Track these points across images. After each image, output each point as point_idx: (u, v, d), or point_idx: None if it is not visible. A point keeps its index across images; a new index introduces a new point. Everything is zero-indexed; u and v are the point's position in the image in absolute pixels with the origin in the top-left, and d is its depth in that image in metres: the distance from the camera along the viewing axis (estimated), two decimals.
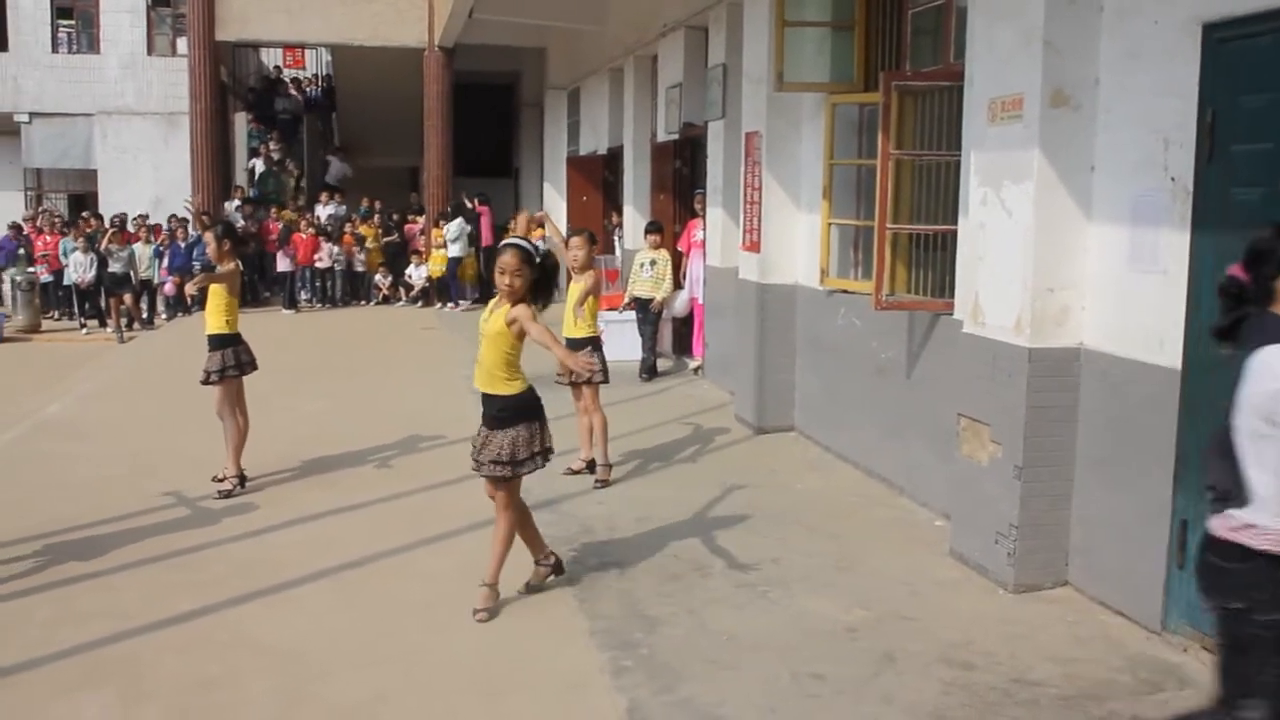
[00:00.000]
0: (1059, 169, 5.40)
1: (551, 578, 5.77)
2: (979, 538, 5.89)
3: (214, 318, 7.62)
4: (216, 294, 7.60)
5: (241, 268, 8.14)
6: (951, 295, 6.76)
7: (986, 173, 5.83)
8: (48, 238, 19.89)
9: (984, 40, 5.88)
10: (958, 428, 6.12)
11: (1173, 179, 4.89)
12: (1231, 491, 3.12)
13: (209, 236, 7.82)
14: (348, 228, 20.27)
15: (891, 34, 8.05)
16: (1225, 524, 3.13)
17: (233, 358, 7.60)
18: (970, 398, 6.01)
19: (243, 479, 7.65)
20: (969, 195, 6.18)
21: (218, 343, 7.60)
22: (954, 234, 6.77)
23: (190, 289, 7.62)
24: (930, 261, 7.38)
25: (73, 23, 25.44)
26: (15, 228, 20.32)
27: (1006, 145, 5.63)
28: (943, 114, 7.09)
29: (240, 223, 19.34)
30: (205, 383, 7.64)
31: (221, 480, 7.58)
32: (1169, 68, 4.89)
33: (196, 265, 18.01)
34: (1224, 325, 3.23)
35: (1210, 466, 3.23)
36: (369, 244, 20.28)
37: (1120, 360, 5.23)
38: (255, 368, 7.82)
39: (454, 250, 19.46)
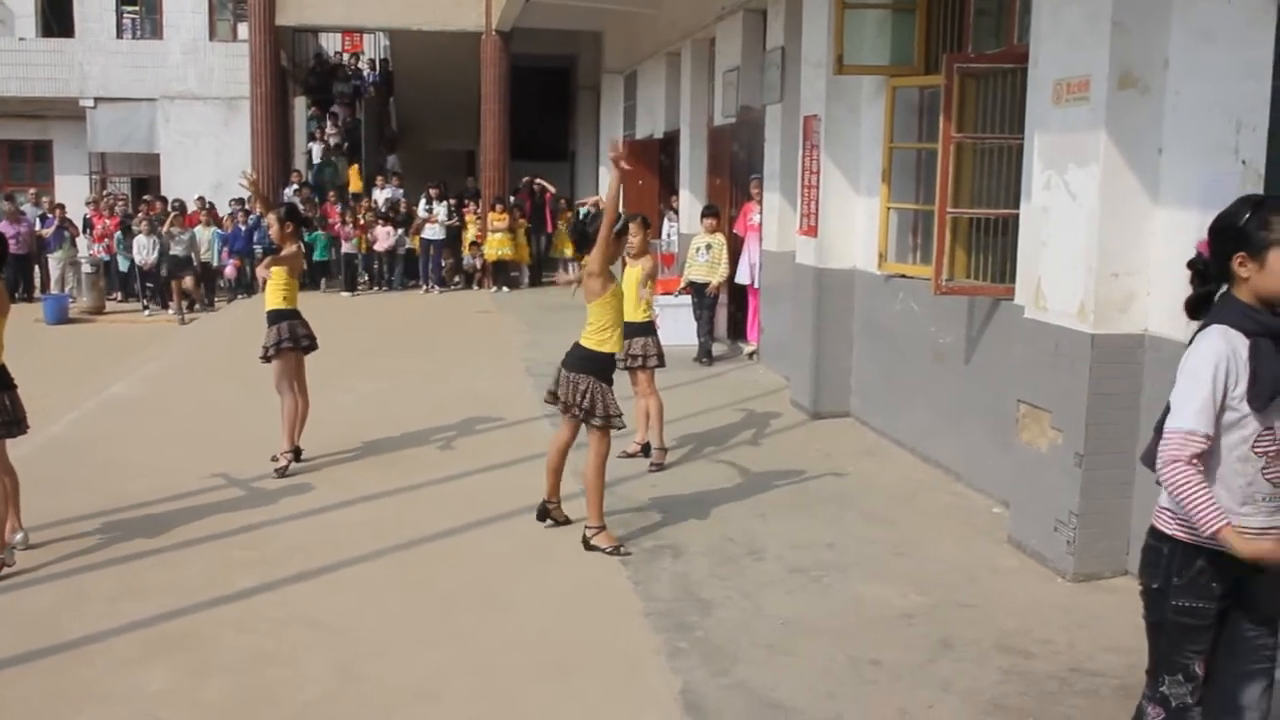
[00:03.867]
0: (1126, 152, 5.30)
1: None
2: (1038, 525, 5.82)
3: (273, 295, 7.73)
4: (277, 273, 7.70)
5: (304, 249, 8.24)
6: (1012, 280, 6.68)
7: (1050, 156, 5.74)
8: (107, 221, 20.17)
9: (1050, 21, 5.78)
10: (1017, 414, 6.04)
11: (1244, 162, 4.78)
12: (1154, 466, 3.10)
13: (272, 218, 7.91)
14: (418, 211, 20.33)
15: (953, 15, 7.95)
16: (1155, 509, 3.15)
17: (288, 331, 7.69)
18: (1031, 384, 5.93)
19: (297, 453, 7.75)
20: (1032, 179, 6.09)
21: (275, 317, 7.71)
22: (1015, 218, 6.68)
23: (261, 272, 7.72)
24: (990, 246, 7.29)
25: (136, 9, 25.75)
26: (61, 209, 20.59)
27: (1072, 128, 5.53)
28: (1005, 96, 7.00)
29: (300, 206, 19.56)
30: (265, 359, 7.73)
31: (276, 459, 7.66)
32: (1243, 48, 4.78)
33: (258, 249, 18.19)
34: (1189, 301, 3.17)
35: (1150, 442, 3.19)
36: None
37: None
38: (315, 346, 7.89)
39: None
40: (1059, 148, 5.66)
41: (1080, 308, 5.47)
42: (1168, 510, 3.09)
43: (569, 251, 20.63)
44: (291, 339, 7.70)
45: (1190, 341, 3.06)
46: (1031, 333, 5.92)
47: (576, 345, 6.10)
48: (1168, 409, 3.06)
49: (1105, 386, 5.42)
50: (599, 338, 6.01)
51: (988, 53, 7.34)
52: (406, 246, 19.95)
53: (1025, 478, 5.98)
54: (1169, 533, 3.08)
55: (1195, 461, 2.95)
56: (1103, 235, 5.35)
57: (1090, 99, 5.38)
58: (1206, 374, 2.94)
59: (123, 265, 19.03)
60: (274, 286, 7.72)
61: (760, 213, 11.58)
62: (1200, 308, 3.13)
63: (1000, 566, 5.81)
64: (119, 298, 19.61)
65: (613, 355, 6.15)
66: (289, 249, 7.77)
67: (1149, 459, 3.13)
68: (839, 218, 9.04)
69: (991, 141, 7.12)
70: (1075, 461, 5.51)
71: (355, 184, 22.52)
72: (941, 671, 4.58)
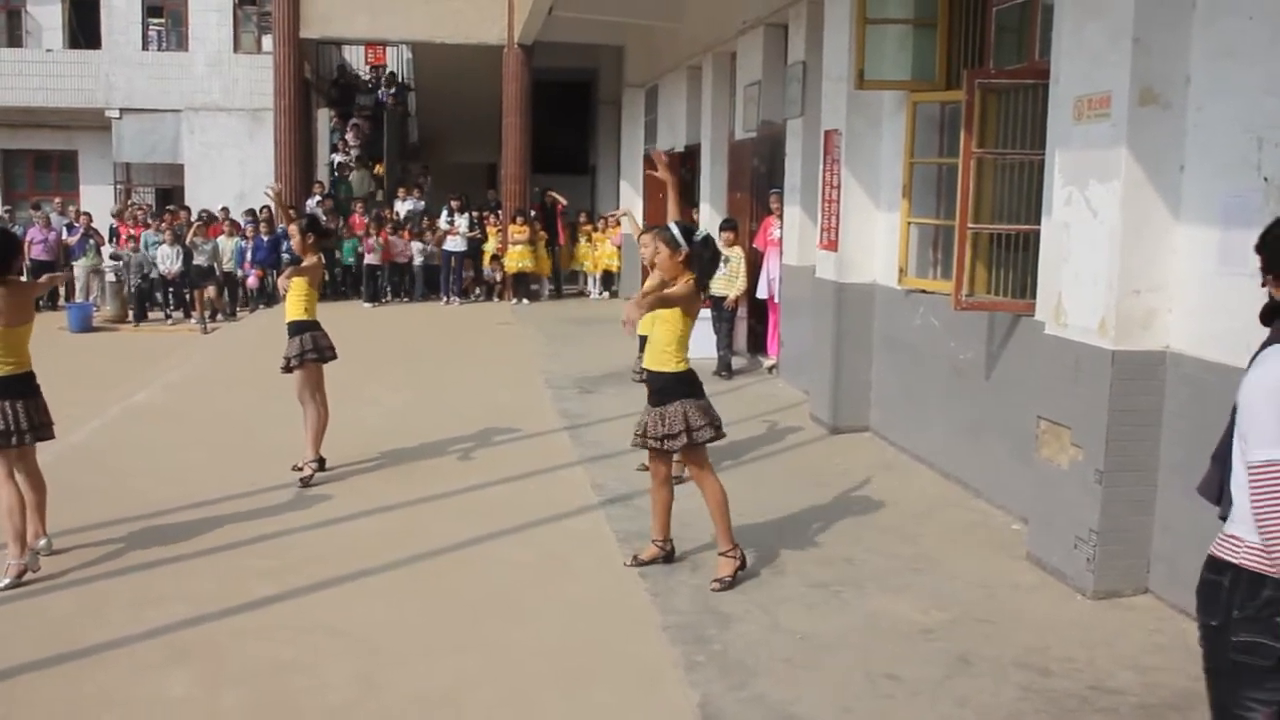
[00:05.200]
0: (1147, 168, 5.30)
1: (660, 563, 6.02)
2: (1058, 542, 5.81)
3: (294, 306, 7.78)
4: (297, 284, 7.75)
5: (324, 260, 8.32)
6: (1033, 296, 6.68)
7: (1071, 172, 5.74)
8: (133, 231, 20.30)
9: (1071, 37, 5.78)
10: (1037, 430, 6.03)
11: (1265, 179, 4.77)
12: (1217, 499, 2.89)
13: (294, 229, 7.98)
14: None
15: (974, 31, 7.96)
16: (1218, 538, 2.87)
17: (311, 342, 7.74)
18: (1051, 400, 5.92)
19: (321, 463, 7.79)
20: (1053, 195, 6.09)
21: (296, 329, 7.76)
22: (1036, 234, 6.68)
23: (282, 282, 7.79)
24: (1011, 261, 7.28)
25: (162, 21, 26.01)
26: (87, 217, 20.73)
27: (1093, 144, 5.53)
28: (1026, 112, 7.00)
29: (322, 218, 19.67)
30: (286, 370, 7.79)
31: (300, 469, 7.71)
32: (1265, 65, 4.78)
33: (286, 257, 18.29)
34: (1264, 309, 2.93)
35: (1208, 472, 2.98)
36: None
37: (1208, 364, 5.12)
38: (335, 356, 7.94)
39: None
40: (1080, 164, 5.66)
41: (1101, 324, 5.46)
42: (1235, 538, 2.79)
43: (588, 265, 20.77)
44: (315, 350, 7.75)
45: (1252, 360, 2.82)
46: (1052, 349, 5.91)
47: None
48: (1227, 437, 2.85)
49: (1126, 403, 5.40)
50: None
51: (1009, 68, 7.35)
52: (422, 260, 19.97)
53: (1045, 494, 5.97)
54: (1234, 561, 2.76)
55: None
56: (1124, 252, 5.35)
57: (1111, 115, 5.38)
58: None
59: (132, 282, 18.87)
60: (294, 297, 7.77)
61: (780, 227, 11.59)
62: (1274, 316, 2.88)
63: (1019, 583, 5.80)
64: (132, 309, 19.64)
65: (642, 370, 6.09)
66: (309, 260, 7.85)
67: (1208, 491, 2.94)
68: (859, 232, 9.05)
69: (1012, 157, 7.12)
70: (1095, 478, 5.49)
71: (360, 189, 22.71)
72: (959, 688, 4.57)
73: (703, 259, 5.76)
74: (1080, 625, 5.22)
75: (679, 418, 5.65)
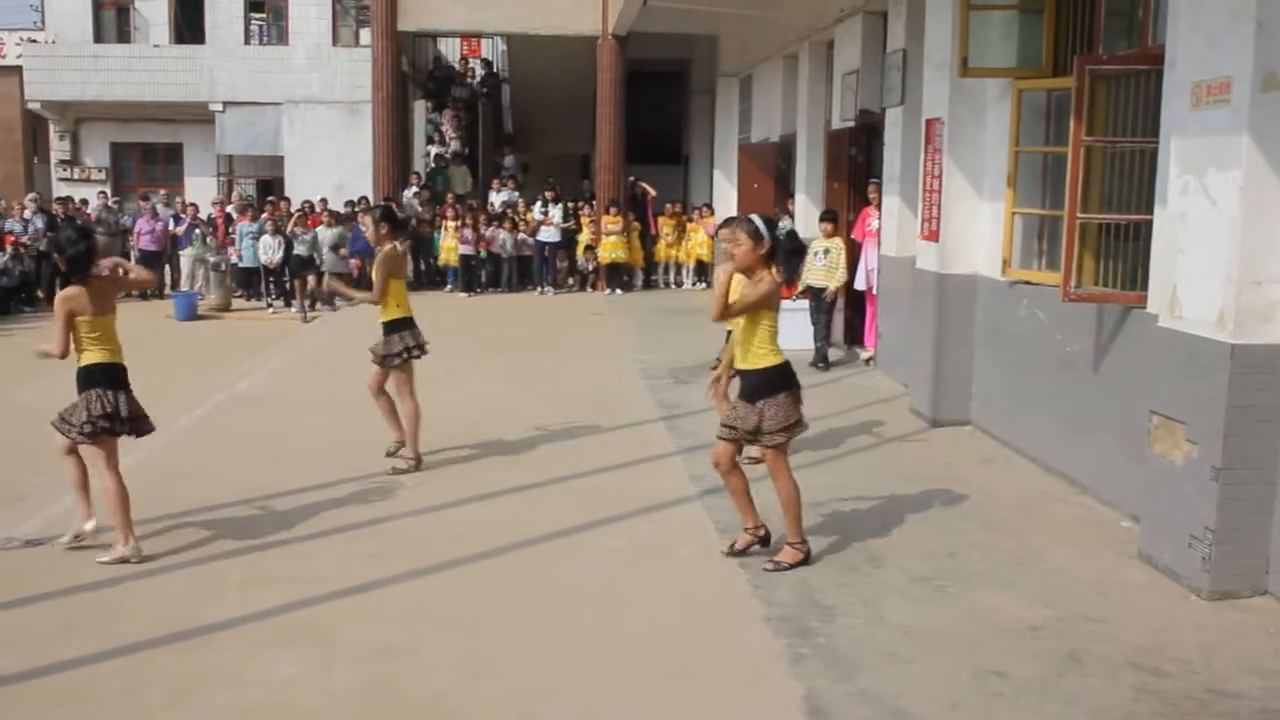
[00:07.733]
0: (1269, 156, 5.12)
1: (756, 547, 5.99)
2: (1171, 540, 5.65)
3: (386, 306, 7.72)
4: (377, 282, 7.64)
5: (398, 249, 7.91)
6: (1143, 288, 6.50)
7: (1188, 160, 5.57)
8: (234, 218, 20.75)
9: (1188, 21, 5.61)
10: (1150, 425, 5.87)
11: None
12: None
13: (367, 220, 7.90)
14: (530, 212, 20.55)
15: (1083, 16, 7.77)
16: None
17: (399, 343, 7.68)
18: (1164, 394, 5.76)
19: (418, 462, 7.81)
20: (1168, 184, 5.91)
21: (387, 329, 7.75)
22: (1147, 225, 6.50)
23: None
24: (1120, 252, 7.09)
25: (264, 16, 26.62)
26: (194, 208, 21.25)
27: (1211, 131, 5.36)
28: (1138, 99, 6.81)
29: (419, 209, 19.96)
30: (378, 362, 7.82)
31: (395, 454, 7.87)
32: None
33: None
34: None
35: None
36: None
37: None
38: (424, 353, 7.87)
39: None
40: (1197, 152, 5.48)
41: (1219, 317, 5.30)
42: None
43: (679, 255, 20.75)
44: (405, 351, 7.71)
45: None
46: (1166, 342, 5.75)
47: None
48: None
49: (1245, 398, 5.23)
50: None
51: (1121, 54, 7.16)
52: (513, 252, 20.11)
53: (1158, 491, 5.80)
54: None
55: None
56: (1245, 242, 5.17)
57: (1232, 101, 5.21)
58: None
59: (248, 259, 19.30)
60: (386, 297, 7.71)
61: (878, 218, 11.46)
62: None
63: (1130, 581, 5.65)
64: (244, 295, 20.17)
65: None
66: (385, 248, 7.70)
67: None
68: (962, 222, 8.90)
69: (1123, 145, 6.93)
70: (1211, 475, 5.33)
71: (461, 186, 22.94)
72: (1069, 686, 4.47)
73: (789, 253, 5.76)
74: (1195, 626, 5.08)
75: (753, 415, 5.72)
